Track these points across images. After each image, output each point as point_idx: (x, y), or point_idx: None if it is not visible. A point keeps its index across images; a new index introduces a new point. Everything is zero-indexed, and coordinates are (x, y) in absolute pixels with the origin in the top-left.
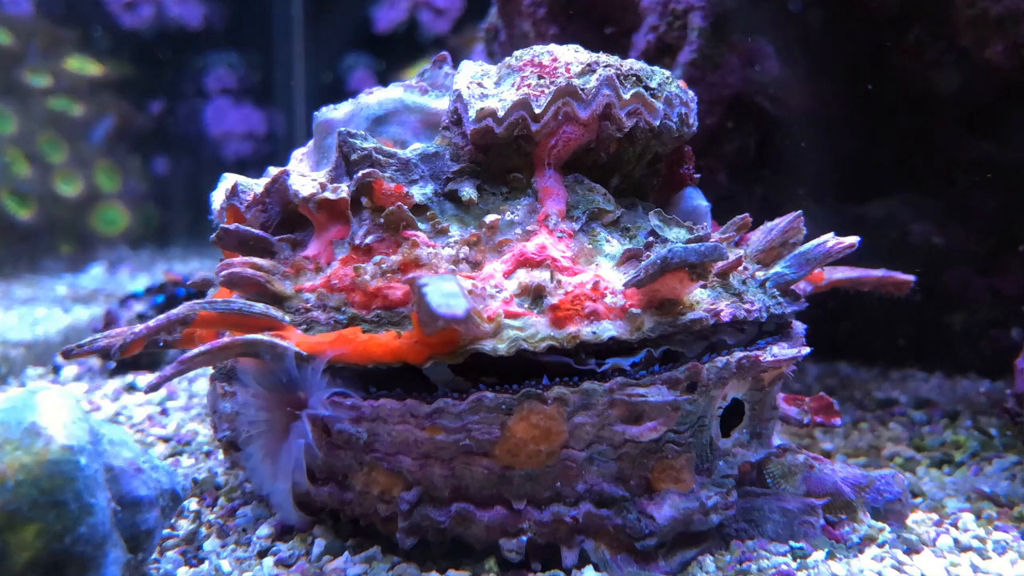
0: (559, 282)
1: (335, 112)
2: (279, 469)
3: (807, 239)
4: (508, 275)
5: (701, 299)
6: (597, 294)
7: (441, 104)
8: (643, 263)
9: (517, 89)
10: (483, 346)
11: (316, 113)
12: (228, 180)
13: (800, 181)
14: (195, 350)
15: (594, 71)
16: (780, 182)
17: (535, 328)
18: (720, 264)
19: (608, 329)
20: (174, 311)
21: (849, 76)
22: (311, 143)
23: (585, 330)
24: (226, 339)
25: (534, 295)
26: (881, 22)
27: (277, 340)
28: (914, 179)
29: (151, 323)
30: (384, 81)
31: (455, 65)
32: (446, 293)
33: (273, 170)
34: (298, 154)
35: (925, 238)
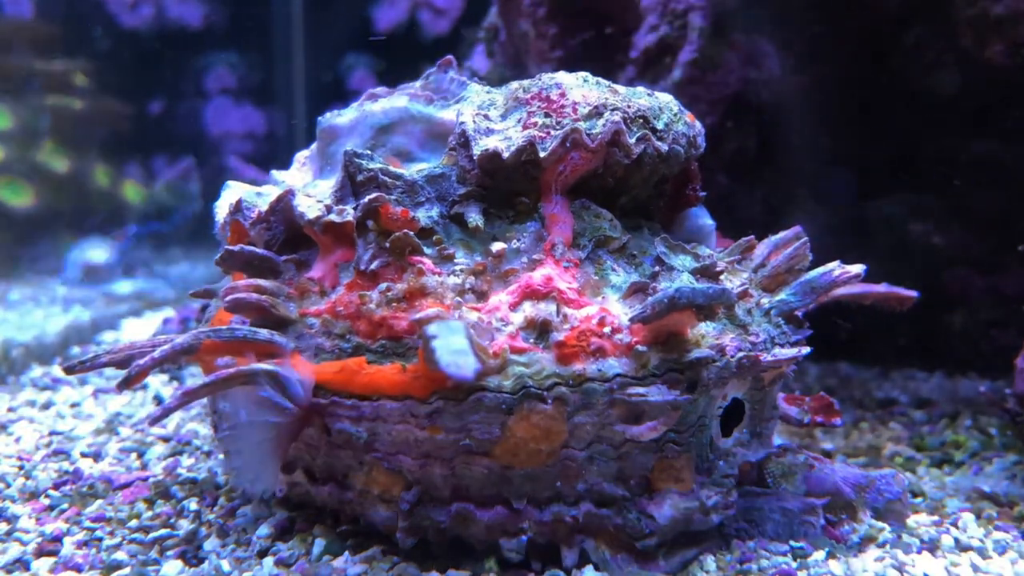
0: (565, 316)
1: (339, 118)
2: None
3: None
4: (514, 307)
5: (706, 332)
6: (603, 329)
7: (446, 114)
8: (650, 299)
9: (523, 128)
10: (488, 383)
11: (320, 119)
12: (232, 191)
13: (800, 181)
14: (198, 383)
15: (601, 115)
16: (780, 182)
17: (540, 364)
18: None
19: (614, 367)
20: (178, 341)
21: (849, 76)
22: (314, 147)
23: (591, 368)
24: (230, 370)
25: (540, 329)
26: (881, 22)
27: (280, 369)
28: (914, 179)
29: (155, 354)
30: (384, 81)
31: (459, 68)
32: (455, 350)
33: (277, 175)
34: (300, 157)
35: (925, 238)
